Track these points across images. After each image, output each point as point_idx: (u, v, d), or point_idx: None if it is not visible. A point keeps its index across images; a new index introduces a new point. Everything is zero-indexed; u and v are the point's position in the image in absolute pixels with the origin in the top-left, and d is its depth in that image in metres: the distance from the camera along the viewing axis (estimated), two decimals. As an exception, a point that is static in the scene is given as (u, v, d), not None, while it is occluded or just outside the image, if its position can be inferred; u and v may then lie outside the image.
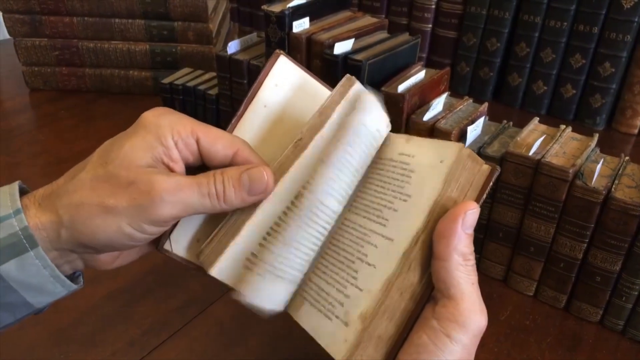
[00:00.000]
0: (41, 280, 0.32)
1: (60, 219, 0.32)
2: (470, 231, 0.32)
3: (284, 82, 0.39)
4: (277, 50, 0.39)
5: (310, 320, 0.34)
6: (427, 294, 0.32)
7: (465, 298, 0.31)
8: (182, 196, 0.32)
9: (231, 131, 0.38)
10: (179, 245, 0.37)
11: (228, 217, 0.35)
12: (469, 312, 0.31)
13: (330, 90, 0.38)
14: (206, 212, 0.34)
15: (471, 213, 0.32)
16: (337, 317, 0.33)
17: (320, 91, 0.41)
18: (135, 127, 0.34)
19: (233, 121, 0.38)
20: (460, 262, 0.31)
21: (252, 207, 0.34)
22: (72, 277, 0.35)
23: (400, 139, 0.37)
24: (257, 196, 0.34)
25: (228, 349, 0.49)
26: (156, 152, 0.33)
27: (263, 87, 0.39)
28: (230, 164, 0.35)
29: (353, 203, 0.36)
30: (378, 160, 0.37)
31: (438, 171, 0.33)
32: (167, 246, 0.36)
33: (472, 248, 0.32)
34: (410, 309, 0.32)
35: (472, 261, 0.32)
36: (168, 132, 0.33)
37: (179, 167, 0.34)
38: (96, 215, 0.31)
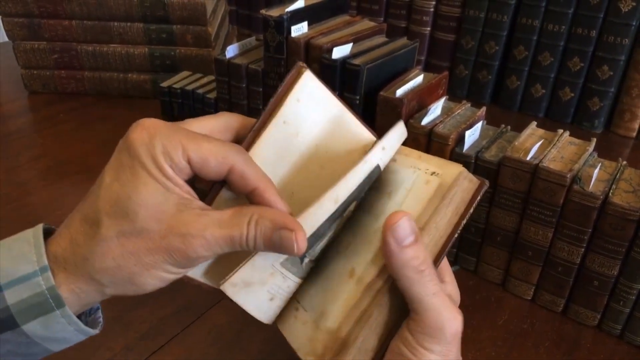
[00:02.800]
0: (66, 335, 0.32)
1: (100, 282, 0.31)
2: (408, 241, 0.31)
3: (307, 99, 0.36)
4: (300, 64, 0.36)
5: (290, 331, 0.34)
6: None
7: (428, 311, 0.31)
8: (216, 249, 0.31)
9: (247, 146, 0.35)
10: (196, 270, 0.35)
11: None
12: (435, 323, 0.31)
13: (351, 112, 0.37)
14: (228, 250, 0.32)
15: (399, 225, 0.30)
16: (309, 320, 0.33)
17: (345, 115, 0.38)
18: (131, 161, 0.30)
19: (249, 135, 0.35)
20: (412, 277, 0.31)
21: None
22: (90, 315, 0.35)
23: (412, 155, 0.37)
24: (280, 251, 0.32)
25: (225, 353, 0.49)
26: (170, 187, 0.31)
27: (284, 102, 0.36)
28: (226, 179, 0.33)
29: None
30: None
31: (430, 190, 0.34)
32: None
33: (421, 258, 0.31)
34: (391, 321, 0.32)
35: (426, 271, 0.31)
36: (166, 160, 0.30)
37: (190, 191, 0.32)
38: (138, 274, 0.31)
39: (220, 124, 0.34)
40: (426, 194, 0.34)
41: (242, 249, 0.32)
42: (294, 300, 0.35)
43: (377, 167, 0.35)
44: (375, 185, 0.35)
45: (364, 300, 0.32)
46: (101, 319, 0.35)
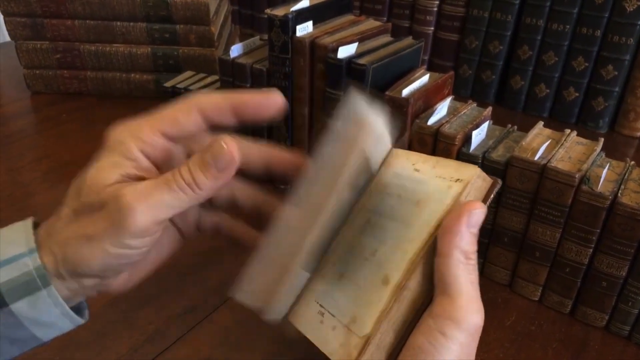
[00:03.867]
0: (51, 317, 0.32)
1: (56, 257, 0.32)
2: (475, 230, 0.31)
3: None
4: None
5: (318, 335, 0.34)
6: (427, 301, 0.32)
7: (462, 295, 0.31)
8: (152, 200, 0.31)
9: None
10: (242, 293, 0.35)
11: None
12: (465, 310, 0.30)
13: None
14: (188, 206, 0.32)
15: (477, 212, 0.31)
16: (339, 326, 0.33)
17: None
18: (101, 150, 0.33)
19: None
20: (461, 260, 0.31)
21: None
22: (78, 310, 0.35)
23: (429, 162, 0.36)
24: (228, 169, 0.32)
25: (232, 354, 0.49)
26: (123, 168, 0.32)
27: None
28: (205, 123, 0.34)
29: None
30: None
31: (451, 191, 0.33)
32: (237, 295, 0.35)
33: (475, 247, 0.32)
34: (409, 316, 0.32)
35: (473, 260, 0.32)
36: (131, 143, 0.32)
37: (154, 174, 0.33)
38: (81, 246, 0.31)
39: (180, 105, 0.34)
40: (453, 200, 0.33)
41: (189, 196, 0.32)
42: (313, 303, 0.34)
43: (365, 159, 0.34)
44: (400, 193, 0.35)
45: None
46: (87, 314, 0.36)
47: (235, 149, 0.32)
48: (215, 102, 0.34)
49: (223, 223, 0.40)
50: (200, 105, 0.33)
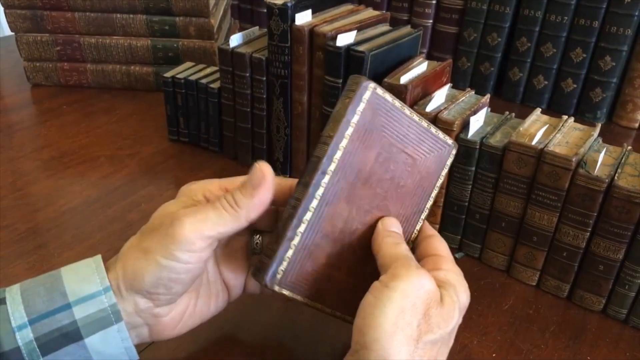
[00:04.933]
0: (117, 350, 0.37)
1: (117, 274, 0.37)
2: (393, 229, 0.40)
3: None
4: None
5: None
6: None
7: (399, 258, 0.36)
8: (200, 215, 0.36)
9: None
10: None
11: None
12: (405, 267, 0.35)
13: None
14: (230, 226, 0.37)
15: (388, 219, 0.40)
16: None
17: None
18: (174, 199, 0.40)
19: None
20: (386, 235, 0.39)
21: None
22: None
23: None
24: (262, 187, 0.38)
25: (230, 342, 0.49)
26: (187, 204, 0.39)
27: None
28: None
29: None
30: None
31: None
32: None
33: (397, 238, 0.39)
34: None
35: (398, 241, 0.39)
36: (199, 192, 0.40)
37: None
38: (138, 259, 0.36)
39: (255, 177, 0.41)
40: None
41: (231, 215, 0.37)
42: None
43: None
44: None
45: None
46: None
47: (267, 169, 0.38)
48: (280, 183, 0.41)
49: None
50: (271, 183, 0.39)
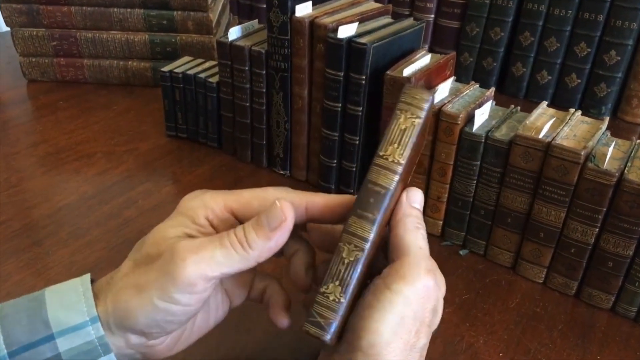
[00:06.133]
0: None
1: (107, 308, 0.32)
2: (417, 204, 0.35)
3: None
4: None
5: None
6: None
7: (410, 255, 0.33)
8: (205, 254, 0.31)
9: None
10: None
11: None
12: (412, 266, 0.32)
13: None
14: (237, 267, 0.33)
15: (411, 189, 0.36)
16: None
17: None
18: (172, 214, 0.36)
19: None
20: (410, 228, 0.34)
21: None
22: None
23: None
24: (280, 230, 0.33)
25: (232, 337, 0.48)
26: (188, 229, 0.34)
27: None
28: None
29: None
30: None
31: None
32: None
33: (421, 219, 0.35)
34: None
35: (422, 230, 0.35)
36: (201, 212, 0.35)
37: None
38: (132, 297, 0.32)
39: (257, 192, 0.36)
40: None
41: (240, 254, 0.32)
42: None
43: None
44: None
45: None
46: None
47: (288, 210, 0.33)
48: (291, 198, 0.35)
49: (270, 286, 0.40)
50: (277, 198, 0.34)
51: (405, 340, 0.31)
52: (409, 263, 0.32)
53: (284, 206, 0.33)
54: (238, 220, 0.36)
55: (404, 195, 0.35)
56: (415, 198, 0.35)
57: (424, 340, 0.33)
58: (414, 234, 0.34)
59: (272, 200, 0.34)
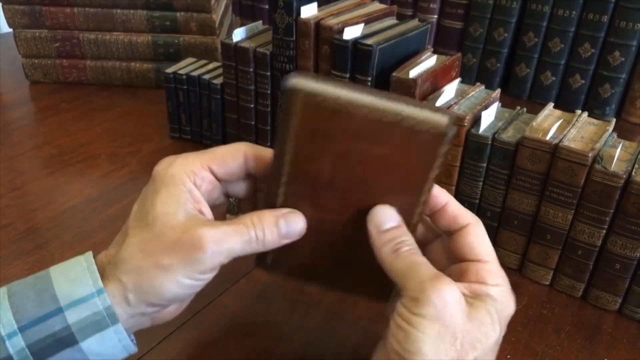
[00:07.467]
0: (115, 350, 0.35)
1: (125, 285, 0.34)
2: (388, 226, 0.35)
3: None
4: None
5: None
6: None
7: (411, 278, 0.33)
8: (227, 246, 0.34)
9: None
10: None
11: None
12: (420, 292, 0.32)
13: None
14: (244, 254, 0.36)
15: (377, 212, 0.36)
16: None
17: None
18: (154, 184, 0.36)
19: None
20: (391, 255, 0.35)
21: None
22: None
23: None
24: (291, 238, 0.37)
25: (238, 339, 0.48)
26: (183, 200, 0.35)
27: None
28: (245, 169, 0.38)
29: None
30: None
31: None
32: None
33: (400, 238, 0.35)
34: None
35: (404, 247, 0.35)
36: (184, 176, 0.36)
37: (204, 206, 0.36)
38: (156, 276, 0.34)
39: (229, 148, 0.38)
40: None
41: (252, 248, 0.35)
42: None
43: None
44: None
45: None
46: (135, 342, 0.38)
47: (304, 223, 0.37)
48: (259, 152, 0.38)
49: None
50: (246, 153, 0.38)
51: (451, 357, 0.32)
52: (415, 287, 0.33)
53: (305, 224, 0.37)
54: (215, 176, 0.38)
55: (369, 224, 0.35)
56: (382, 219, 0.35)
57: (472, 354, 0.33)
58: (399, 259, 0.34)
59: (242, 153, 0.37)
